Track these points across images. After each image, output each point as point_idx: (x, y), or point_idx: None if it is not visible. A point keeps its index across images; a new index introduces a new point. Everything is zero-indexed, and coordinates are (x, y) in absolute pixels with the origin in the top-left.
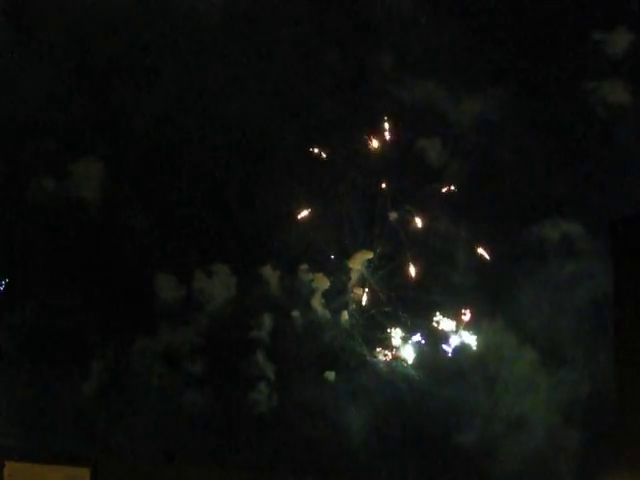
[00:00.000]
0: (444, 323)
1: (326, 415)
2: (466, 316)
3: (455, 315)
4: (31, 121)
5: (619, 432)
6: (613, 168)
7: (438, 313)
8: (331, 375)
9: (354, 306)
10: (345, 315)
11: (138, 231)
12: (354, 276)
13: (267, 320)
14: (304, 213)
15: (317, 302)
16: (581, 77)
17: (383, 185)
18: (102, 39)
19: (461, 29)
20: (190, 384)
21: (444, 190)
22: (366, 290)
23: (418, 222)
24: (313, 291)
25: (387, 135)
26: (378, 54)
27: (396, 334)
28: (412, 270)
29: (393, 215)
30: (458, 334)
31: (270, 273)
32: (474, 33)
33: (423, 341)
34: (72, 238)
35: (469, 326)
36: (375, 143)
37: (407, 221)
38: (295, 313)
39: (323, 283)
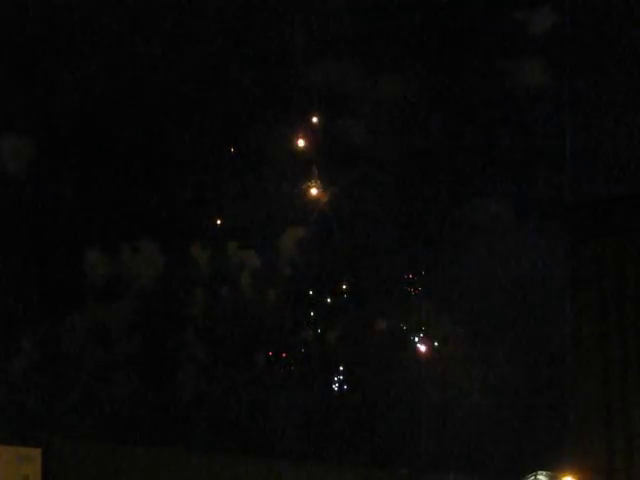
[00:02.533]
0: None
1: (255, 397)
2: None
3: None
4: None
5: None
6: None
7: None
8: (261, 357)
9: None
10: (273, 294)
11: (64, 206)
12: (284, 255)
13: (196, 298)
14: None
15: (246, 281)
16: (500, 56)
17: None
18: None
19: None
20: (120, 363)
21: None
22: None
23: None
24: (242, 269)
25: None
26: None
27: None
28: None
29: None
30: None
31: (199, 250)
32: (387, 11)
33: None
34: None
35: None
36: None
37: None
38: (224, 292)
39: (252, 261)
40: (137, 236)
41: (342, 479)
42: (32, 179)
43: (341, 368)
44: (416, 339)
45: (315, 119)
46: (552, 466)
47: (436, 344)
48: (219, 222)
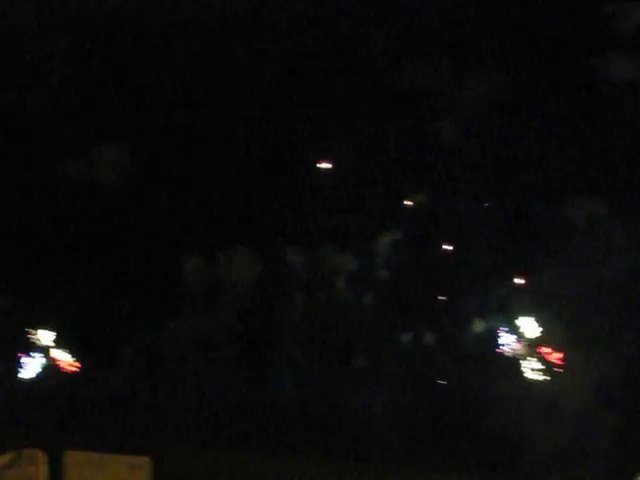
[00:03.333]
0: None
1: (352, 401)
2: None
3: None
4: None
5: None
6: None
7: None
8: (359, 360)
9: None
10: (370, 297)
11: (162, 215)
12: (380, 258)
13: (292, 303)
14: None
15: (342, 284)
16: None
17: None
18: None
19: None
20: (220, 370)
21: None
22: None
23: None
24: (338, 272)
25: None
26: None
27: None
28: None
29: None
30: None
31: (294, 254)
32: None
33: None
34: (95, 223)
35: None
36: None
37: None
38: (321, 295)
39: (349, 264)
40: (232, 242)
41: None
42: (128, 188)
43: (440, 370)
44: (513, 339)
45: (406, 121)
46: None
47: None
48: (313, 226)
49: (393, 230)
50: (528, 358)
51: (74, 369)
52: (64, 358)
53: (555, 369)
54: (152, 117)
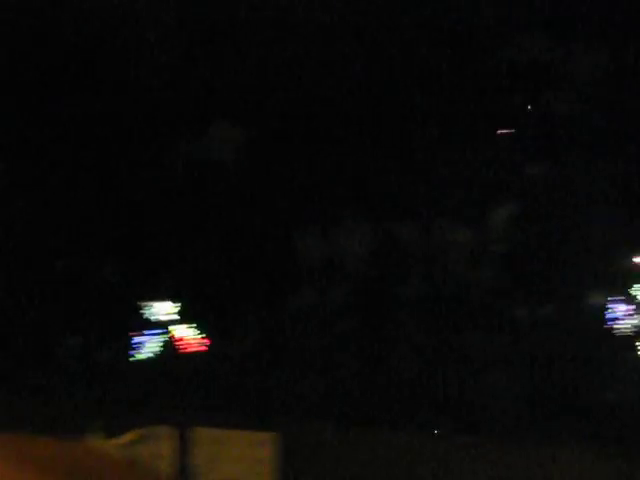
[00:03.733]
0: None
1: (468, 377)
2: None
3: None
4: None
5: None
6: None
7: None
8: (473, 336)
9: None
10: (485, 272)
11: (276, 191)
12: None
13: (408, 278)
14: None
15: (458, 257)
16: None
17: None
18: None
19: None
20: (339, 346)
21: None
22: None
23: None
24: (453, 245)
25: None
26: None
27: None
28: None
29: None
30: None
31: (409, 229)
32: None
33: None
34: (212, 202)
35: None
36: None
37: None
38: (435, 270)
39: (464, 237)
40: (347, 217)
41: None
42: (241, 165)
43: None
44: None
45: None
46: None
47: None
48: (428, 199)
49: (509, 203)
50: None
51: (200, 345)
52: (187, 334)
53: None
54: (268, 94)
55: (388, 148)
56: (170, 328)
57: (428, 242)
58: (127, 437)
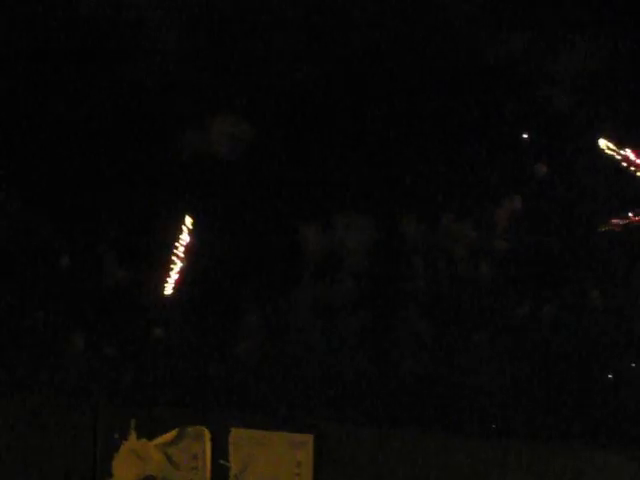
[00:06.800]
0: None
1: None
2: None
3: None
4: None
5: None
6: None
7: None
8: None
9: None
10: (486, 268)
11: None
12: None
13: (409, 273)
14: None
15: (461, 253)
16: None
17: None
18: None
19: None
20: (343, 342)
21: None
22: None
23: None
24: (457, 241)
25: None
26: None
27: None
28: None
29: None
30: None
31: (412, 224)
32: None
33: None
34: (217, 195)
35: None
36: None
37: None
38: (439, 266)
39: (468, 233)
40: (349, 211)
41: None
42: (246, 158)
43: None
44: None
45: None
46: None
47: None
48: (433, 194)
49: (514, 200)
50: None
51: None
52: None
53: None
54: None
55: (392, 143)
56: None
57: (431, 238)
58: (165, 437)
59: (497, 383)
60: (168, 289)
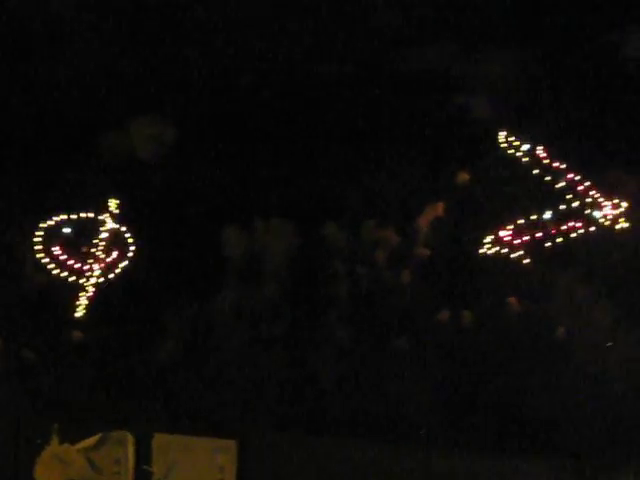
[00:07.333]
0: None
1: (392, 382)
2: None
3: None
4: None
5: None
6: None
7: None
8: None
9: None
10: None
11: (202, 188)
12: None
13: (332, 278)
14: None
15: (383, 260)
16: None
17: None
18: None
19: None
20: (263, 346)
21: None
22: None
23: None
24: (379, 248)
25: None
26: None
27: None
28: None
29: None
30: None
31: (334, 230)
32: None
33: None
34: (140, 198)
35: None
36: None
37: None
38: (360, 272)
39: (390, 240)
40: (272, 215)
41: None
42: (167, 161)
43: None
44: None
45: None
46: None
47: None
48: (356, 200)
49: (434, 208)
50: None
51: None
52: None
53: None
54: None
55: (314, 149)
56: None
57: (353, 243)
58: (87, 442)
59: (417, 388)
60: (88, 294)
